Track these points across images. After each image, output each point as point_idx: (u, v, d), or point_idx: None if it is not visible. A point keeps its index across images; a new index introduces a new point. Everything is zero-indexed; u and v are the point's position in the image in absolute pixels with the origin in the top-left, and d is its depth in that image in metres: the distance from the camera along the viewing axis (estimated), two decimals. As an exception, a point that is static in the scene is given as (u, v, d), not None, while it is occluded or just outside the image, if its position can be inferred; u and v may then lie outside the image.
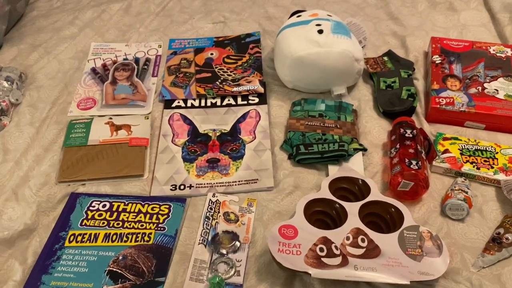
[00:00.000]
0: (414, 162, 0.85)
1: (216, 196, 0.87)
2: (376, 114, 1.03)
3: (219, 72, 1.13)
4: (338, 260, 0.72)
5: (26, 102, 1.08)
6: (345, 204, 0.81)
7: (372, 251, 0.73)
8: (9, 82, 1.08)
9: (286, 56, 1.02)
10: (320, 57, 0.99)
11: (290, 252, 0.73)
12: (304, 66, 1.01)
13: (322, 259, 0.72)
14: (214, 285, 0.72)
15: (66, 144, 0.97)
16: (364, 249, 0.74)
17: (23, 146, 0.97)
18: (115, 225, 0.83)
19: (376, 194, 0.83)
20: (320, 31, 1.00)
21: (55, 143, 0.99)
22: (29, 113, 1.05)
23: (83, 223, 0.84)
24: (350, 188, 0.86)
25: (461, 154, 0.92)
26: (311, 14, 1.08)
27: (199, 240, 0.80)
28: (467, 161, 0.90)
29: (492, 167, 0.89)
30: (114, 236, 0.81)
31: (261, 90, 1.07)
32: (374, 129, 1.00)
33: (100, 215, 0.85)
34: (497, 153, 0.91)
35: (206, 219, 0.84)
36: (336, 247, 0.74)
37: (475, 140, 0.94)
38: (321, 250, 0.73)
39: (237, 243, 0.80)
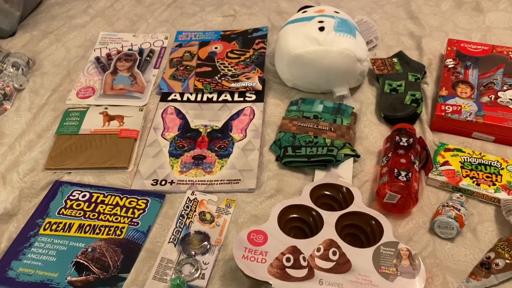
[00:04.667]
0: (403, 174, 0.79)
1: (195, 194, 0.85)
2: (376, 119, 0.97)
3: (220, 66, 1.11)
4: (303, 272, 0.68)
5: (28, 88, 1.10)
6: (323, 212, 0.77)
7: (342, 266, 0.69)
8: (15, 68, 1.10)
9: (284, 53, 0.98)
10: (319, 55, 0.95)
11: (255, 259, 0.70)
12: (302, 64, 0.97)
13: (287, 269, 0.68)
14: (174, 286, 0.70)
15: (58, 132, 0.98)
16: (334, 263, 0.69)
17: (18, 131, 0.99)
18: (90, 216, 0.83)
19: (358, 204, 0.78)
20: (322, 28, 0.95)
21: (49, 130, 1.00)
22: (29, 99, 1.06)
23: (61, 212, 0.84)
24: (334, 195, 0.82)
25: (462, 167, 0.84)
26: (318, 10, 1.03)
27: (170, 238, 0.78)
28: (467, 175, 0.83)
29: (494, 184, 0.81)
30: (88, 228, 0.81)
31: (259, 87, 1.04)
32: (372, 134, 0.94)
33: (78, 205, 0.85)
34: (502, 169, 0.84)
35: (181, 218, 0.81)
36: (304, 258, 0.70)
37: (480, 153, 0.87)
38: (288, 260, 0.69)
39: (207, 245, 0.77)
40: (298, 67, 0.97)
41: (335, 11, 1.02)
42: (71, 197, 0.86)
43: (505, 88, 0.95)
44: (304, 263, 0.69)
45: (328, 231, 0.74)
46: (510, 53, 1.02)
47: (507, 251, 0.71)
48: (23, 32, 1.26)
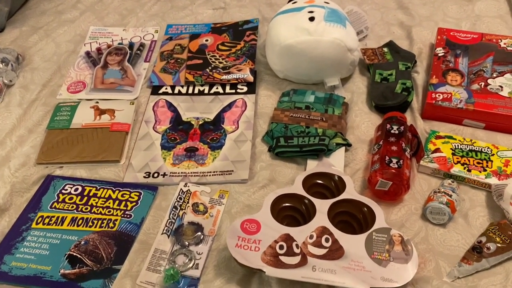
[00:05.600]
0: (394, 161, 0.79)
1: (188, 186, 0.85)
2: (367, 108, 0.97)
3: (211, 59, 1.10)
4: (296, 259, 0.68)
5: (19, 84, 1.09)
6: (315, 200, 0.77)
7: (335, 252, 0.69)
8: (4, 63, 1.09)
9: (275, 44, 0.98)
10: (310, 45, 0.95)
11: (248, 247, 0.70)
12: (293, 55, 0.97)
13: (280, 257, 0.68)
14: (168, 277, 0.70)
15: (49, 127, 0.97)
16: (327, 250, 0.69)
17: (9, 126, 0.98)
18: (83, 209, 0.83)
19: (350, 192, 0.78)
20: (312, 19, 0.96)
21: (40, 125, 0.99)
22: (20, 94, 1.06)
23: (53, 206, 0.83)
24: (327, 184, 0.82)
25: (453, 154, 0.85)
26: (307, 0, 1.02)
27: (163, 230, 0.78)
28: (458, 162, 0.84)
29: (485, 170, 0.82)
30: (80, 221, 0.81)
31: (251, 79, 1.04)
32: (363, 123, 0.94)
33: (70, 198, 0.85)
34: (493, 155, 0.84)
35: (174, 209, 0.81)
36: (297, 245, 0.70)
37: (471, 140, 0.87)
38: (281, 247, 0.70)
39: (200, 235, 0.77)
40: (289, 58, 0.97)
41: (325, 1, 1.02)
42: (63, 191, 0.86)
43: (494, 75, 0.95)
44: (297, 250, 0.69)
45: (321, 219, 0.74)
46: (499, 41, 1.02)
47: (498, 235, 0.72)
48: (12, 28, 1.25)
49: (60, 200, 0.84)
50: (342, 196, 0.78)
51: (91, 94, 1.05)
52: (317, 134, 0.89)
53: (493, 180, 0.80)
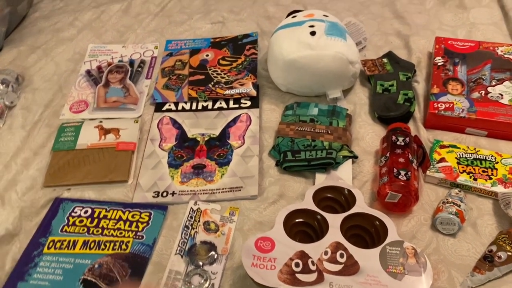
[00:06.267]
0: (403, 173, 0.80)
1: (198, 204, 0.85)
2: (370, 120, 0.98)
3: (212, 74, 1.11)
4: (313, 277, 0.69)
5: (20, 105, 1.08)
6: (327, 215, 0.78)
7: (351, 268, 0.70)
8: (4, 85, 1.09)
9: (278, 59, 0.99)
10: (312, 60, 0.96)
11: (264, 266, 0.70)
12: (296, 69, 0.98)
13: (297, 275, 0.69)
14: (186, 298, 0.71)
15: (54, 148, 0.97)
16: (342, 265, 0.70)
17: (13, 149, 0.98)
18: (94, 232, 0.83)
19: (361, 206, 0.79)
20: (313, 33, 0.97)
21: (45, 147, 0.99)
22: (22, 116, 1.05)
23: (64, 229, 0.83)
24: (337, 198, 0.83)
25: (458, 163, 0.86)
26: (307, 14, 1.04)
27: (176, 250, 0.79)
28: (464, 171, 0.85)
29: (491, 178, 0.83)
30: (92, 244, 0.81)
31: (254, 93, 1.05)
32: (368, 135, 0.95)
33: (81, 221, 0.84)
34: (497, 162, 0.86)
35: (185, 229, 0.82)
36: (312, 262, 0.71)
37: (475, 149, 0.89)
38: (297, 265, 0.70)
39: (214, 254, 0.77)
40: (292, 72, 0.98)
41: (324, 15, 1.03)
42: (73, 214, 0.86)
43: (493, 83, 0.97)
44: (313, 267, 0.70)
45: (334, 234, 0.75)
46: (496, 48, 1.04)
47: (508, 243, 0.73)
48: (9, 47, 1.24)
49: (70, 223, 0.84)
50: (354, 210, 0.78)
51: (94, 114, 1.05)
52: (324, 148, 0.90)
53: (499, 188, 0.82)
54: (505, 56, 1.02)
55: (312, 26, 0.98)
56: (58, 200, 0.88)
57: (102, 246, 0.80)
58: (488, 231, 0.78)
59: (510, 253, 0.72)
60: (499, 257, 0.72)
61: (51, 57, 1.20)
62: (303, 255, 0.71)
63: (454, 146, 0.90)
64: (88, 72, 1.15)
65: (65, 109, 1.07)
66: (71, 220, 0.85)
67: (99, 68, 1.16)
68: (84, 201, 0.88)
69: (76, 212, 0.86)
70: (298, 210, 0.79)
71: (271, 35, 1.19)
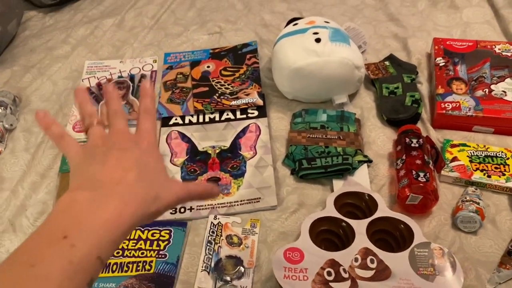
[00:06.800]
0: (421, 174, 0.81)
1: (218, 218, 0.85)
2: (380, 123, 0.99)
3: (216, 85, 1.10)
4: (347, 285, 0.69)
5: (20, 127, 1.05)
6: (352, 222, 0.78)
7: (382, 273, 0.70)
8: (2, 107, 1.06)
9: (284, 67, 0.99)
10: (319, 66, 0.96)
11: (296, 277, 0.70)
12: (303, 77, 0.98)
13: (330, 283, 0.69)
14: (219, 316, 0.70)
15: (62, 170, 0.95)
16: (374, 271, 0.70)
17: (18, 173, 0.95)
18: (115, 254, 0.81)
19: (383, 210, 0.80)
20: (318, 40, 0.97)
21: (52, 169, 0.96)
22: (24, 139, 1.02)
23: (82, 253, 0.81)
24: (357, 203, 0.83)
25: (471, 161, 0.88)
26: (308, 21, 1.04)
27: (202, 267, 0.77)
28: (477, 168, 0.87)
29: (504, 174, 0.85)
30: (114, 266, 0.79)
31: (261, 102, 1.04)
32: (379, 138, 0.96)
33: (99, 244, 0.82)
34: (508, 158, 0.88)
35: (208, 244, 0.81)
36: (344, 270, 0.71)
37: (484, 146, 0.91)
38: (329, 274, 0.70)
39: (242, 269, 0.77)
40: (299, 80, 0.99)
41: (325, 21, 1.04)
42: (90, 237, 0.83)
43: (495, 81, 1.00)
44: (345, 275, 0.70)
45: (362, 240, 0.75)
46: (494, 46, 1.07)
47: (531, 237, 0.75)
48: (2, 68, 1.21)
49: (88, 246, 0.82)
50: (377, 215, 0.79)
51: (99, 132, 1.03)
52: (339, 153, 0.90)
53: (514, 184, 0.83)
54: (503, 54, 1.05)
55: (316, 33, 0.99)
56: (73, 223, 0.86)
57: (125, 268, 0.78)
58: (507, 226, 0.80)
59: (533, 247, 0.74)
60: (523, 252, 0.73)
61: (47, 76, 1.18)
62: (334, 263, 0.71)
63: (465, 145, 0.91)
64: (88, 90, 1.13)
65: (68, 129, 1.04)
66: (89, 243, 0.82)
67: (99, 85, 1.14)
68: (100, 223, 0.86)
69: (93, 235, 0.84)
70: (322, 218, 0.79)
71: (270, 43, 1.20)
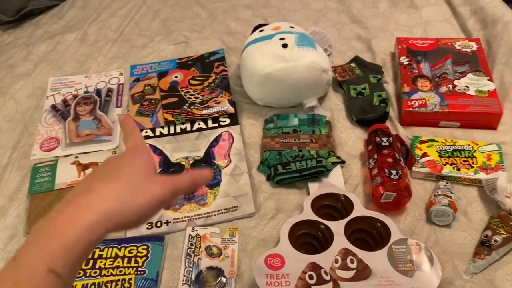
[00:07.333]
0: (394, 172, 0.83)
1: (196, 230, 0.84)
2: (350, 124, 1.01)
3: (185, 95, 1.09)
4: (329, 287, 0.69)
5: (-16, 149, 1.02)
6: (330, 223, 0.79)
7: (363, 272, 0.71)
8: (-37, 130, 1.02)
9: (253, 74, 0.99)
10: (288, 71, 0.97)
11: (279, 283, 0.70)
12: (273, 83, 0.98)
13: (313, 287, 0.69)
14: (203, 329, 0.69)
15: (31, 191, 0.92)
16: (355, 271, 0.71)
17: (-15, 198, 0.92)
18: (92, 274, 0.78)
19: (359, 210, 0.81)
20: (285, 45, 0.98)
21: (20, 191, 0.93)
22: (-11, 161, 0.99)
23: (58, 276, 0.78)
24: (333, 205, 0.84)
25: (440, 156, 0.90)
26: (274, 27, 1.05)
27: (183, 280, 0.76)
28: (447, 163, 0.89)
29: (472, 167, 0.88)
30: (92, 287, 0.77)
31: (232, 110, 1.04)
32: (350, 139, 0.97)
33: (75, 265, 0.80)
34: (475, 151, 0.91)
35: (188, 257, 0.80)
36: (325, 272, 0.71)
37: (452, 140, 0.93)
38: (311, 277, 0.70)
39: (223, 279, 0.76)
40: (269, 86, 0.99)
41: (290, 26, 1.05)
42: (64, 258, 0.81)
43: (457, 76, 1.03)
44: (327, 277, 0.70)
45: (340, 241, 0.75)
46: (454, 43, 1.10)
47: (501, 226, 0.77)
48: (-39, 90, 1.17)
49: (64, 268, 0.79)
50: (354, 215, 0.80)
51: (68, 150, 1.00)
52: (313, 157, 0.91)
53: (482, 175, 0.86)
54: (463, 50, 1.08)
55: (282, 39, 0.99)
56: (46, 246, 0.83)
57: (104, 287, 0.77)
58: (479, 217, 0.82)
59: (505, 235, 0.76)
60: (495, 241, 0.76)
61: (9, 95, 1.14)
62: (315, 267, 0.72)
63: (433, 140, 0.94)
64: (54, 107, 1.10)
65: (35, 149, 1.01)
66: (64, 265, 0.80)
67: (65, 101, 1.11)
68: (74, 243, 0.83)
69: (67, 256, 0.81)
70: (300, 222, 0.79)
71: (237, 50, 1.20)
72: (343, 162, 0.92)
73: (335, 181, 0.89)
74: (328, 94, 1.08)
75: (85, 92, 1.13)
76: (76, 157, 0.98)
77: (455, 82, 1.01)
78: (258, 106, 1.06)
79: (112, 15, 1.38)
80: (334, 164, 0.91)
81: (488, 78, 1.01)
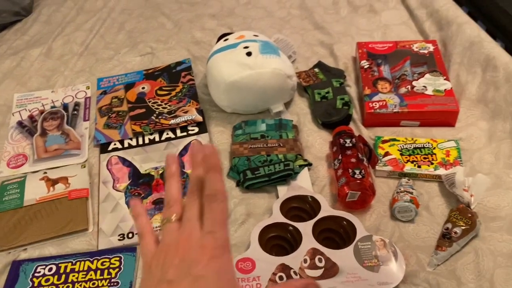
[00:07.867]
0: (357, 172, 0.86)
1: (168, 239, 0.84)
2: (315, 127, 1.03)
3: (153, 106, 1.10)
4: (299, 286, 0.71)
5: (-51, 170, 1.00)
6: (298, 225, 0.81)
7: (331, 270, 0.73)
8: None
9: (220, 82, 1.01)
10: (253, 79, 0.99)
11: (250, 286, 0.72)
12: (239, 90, 1.00)
13: None
14: (178, 336, 0.70)
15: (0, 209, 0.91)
16: (323, 269, 0.74)
17: (-49, 219, 0.90)
18: (64, 289, 0.79)
19: (327, 210, 0.84)
20: (249, 54, 1.00)
21: (-13, 210, 0.92)
22: (-46, 181, 0.97)
23: (30, 293, 0.78)
24: (302, 206, 0.86)
25: (401, 154, 0.94)
26: (238, 36, 1.07)
27: (156, 289, 0.77)
28: (408, 160, 0.93)
29: (432, 163, 0.92)
30: (65, 301, 0.77)
31: (200, 119, 1.06)
32: (316, 142, 1.00)
33: (47, 280, 0.80)
34: (434, 148, 0.95)
35: (161, 265, 0.80)
36: (295, 272, 0.73)
37: (412, 139, 0.97)
38: (281, 278, 0.72)
39: (196, 285, 0.77)
40: (235, 93, 1.01)
41: (254, 35, 1.07)
42: (36, 274, 0.81)
43: (416, 77, 1.07)
44: (296, 277, 0.72)
45: (309, 241, 0.78)
46: (412, 46, 1.15)
47: (460, 219, 0.81)
48: None
49: (36, 285, 0.79)
50: (321, 215, 0.82)
51: (36, 166, 1.00)
52: (280, 160, 0.93)
53: (441, 171, 0.90)
54: (421, 51, 1.13)
55: (247, 47, 1.02)
56: (16, 263, 0.83)
57: (77, 302, 0.77)
58: (440, 211, 0.86)
59: (464, 227, 0.80)
60: (456, 233, 0.79)
61: (-26, 113, 1.13)
62: (284, 268, 0.74)
63: (394, 139, 0.97)
64: (20, 123, 1.09)
65: (2, 166, 1.00)
66: (36, 281, 0.80)
67: (31, 117, 1.10)
68: (45, 259, 0.83)
69: (39, 272, 0.81)
70: (269, 225, 0.81)
71: (203, 59, 1.22)
72: (310, 164, 0.95)
73: (303, 183, 0.91)
74: (293, 99, 1.11)
75: (52, 107, 1.12)
76: (45, 173, 0.97)
77: (414, 83, 1.05)
78: (226, 113, 1.08)
79: (77, 29, 1.38)
80: (302, 166, 0.94)
81: (445, 77, 1.06)
